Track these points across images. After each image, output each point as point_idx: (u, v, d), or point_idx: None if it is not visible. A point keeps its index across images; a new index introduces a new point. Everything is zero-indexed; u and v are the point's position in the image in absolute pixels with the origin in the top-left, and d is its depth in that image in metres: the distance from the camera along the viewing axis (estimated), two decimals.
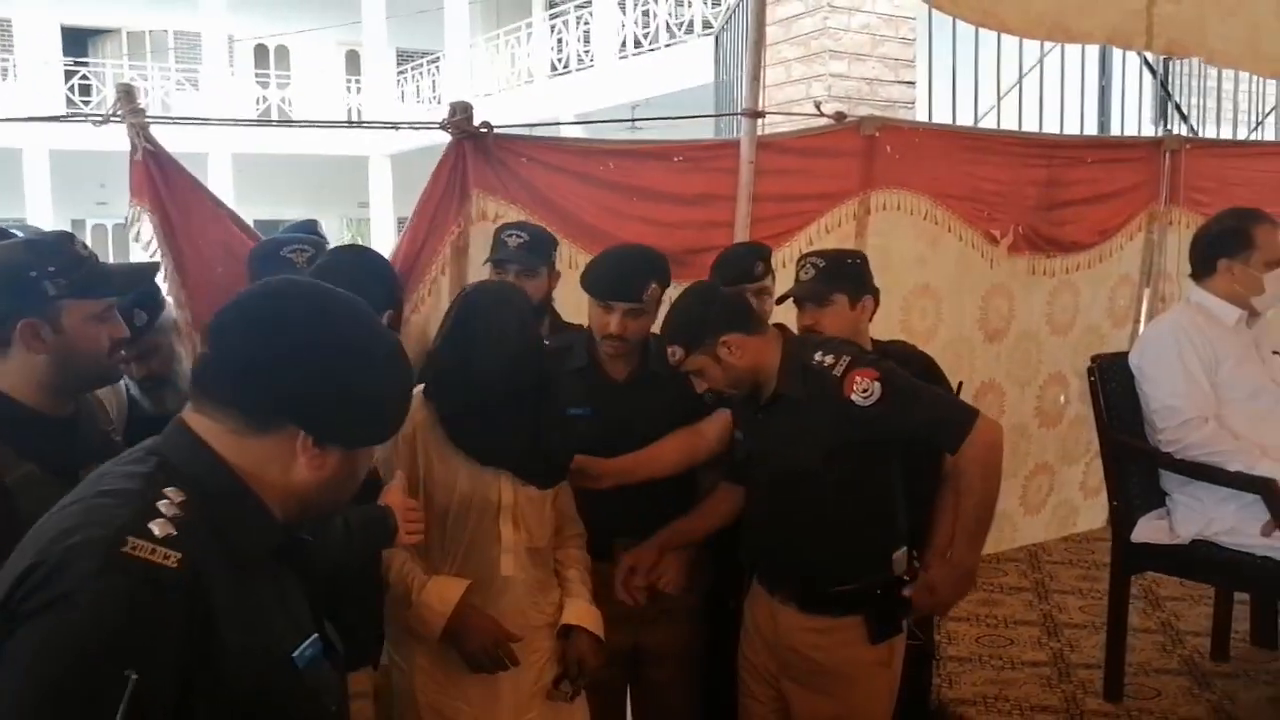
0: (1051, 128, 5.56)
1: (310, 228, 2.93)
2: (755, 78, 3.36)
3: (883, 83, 5.05)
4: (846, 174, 3.61)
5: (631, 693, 2.58)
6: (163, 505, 1.06)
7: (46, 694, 0.97)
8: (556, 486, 2.20)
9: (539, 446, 2.10)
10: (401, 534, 1.90)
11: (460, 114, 2.92)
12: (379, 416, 1.21)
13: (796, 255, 2.94)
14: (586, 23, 14.75)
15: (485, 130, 2.95)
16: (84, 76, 17.18)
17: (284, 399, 1.13)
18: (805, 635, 2.19)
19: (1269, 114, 7.22)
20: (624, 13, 13.86)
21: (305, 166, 17.57)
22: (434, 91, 18.06)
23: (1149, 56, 5.84)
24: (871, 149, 3.61)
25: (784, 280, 2.76)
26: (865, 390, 2.04)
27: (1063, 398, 4.44)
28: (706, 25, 11.56)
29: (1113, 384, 3.08)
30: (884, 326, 2.78)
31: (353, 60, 19.61)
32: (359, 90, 19.18)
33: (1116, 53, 6.16)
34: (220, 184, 14.71)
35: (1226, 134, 6.72)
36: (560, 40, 15.47)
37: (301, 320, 1.15)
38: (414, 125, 3.45)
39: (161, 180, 2.67)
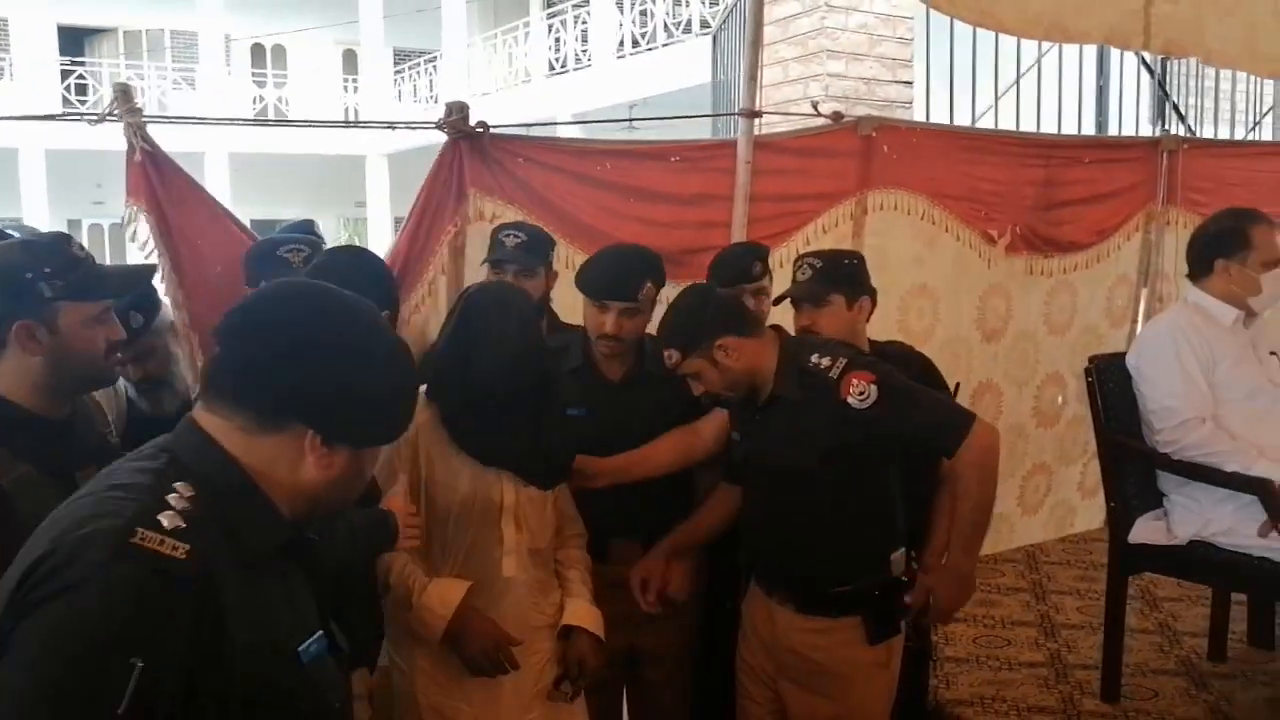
0: (1049, 128, 5.57)
1: (307, 227, 2.92)
2: (752, 77, 3.36)
3: (880, 82, 5.06)
4: (844, 174, 3.61)
5: (627, 693, 2.58)
6: (172, 499, 1.08)
7: (54, 681, 0.98)
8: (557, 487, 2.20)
9: (540, 447, 2.10)
10: (401, 538, 1.91)
11: (456, 114, 2.92)
12: (382, 415, 1.22)
13: (794, 255, 2.93)
14: (584, 22, 14.73)
15: (481, 130, 2.95)
16: (80, 76, 17.14)
17: (284, 398, 1.14)
18: (803, 636, 2.19)
19: (1266, 114, 7.23)
20: (621, 12, 13.83)
21: (302, 166, 17.54)
22: (431, 91, 18.00)
23: (1147, 56, 5.84)
24: (869, 149, 3.61)
25: (781, 280, 2.75)
26: (861, 393, 2.04)
27: (1060, 398, 4.44)
28: (704, 25, 11.53)
29: (1110, 384, 3.09)
30: (881, 326, 2.78)
31: (350, 60, 19.57)
32: (356, 90, 19.17)
33: (1114, 53, 6.17)
34: (217, 183, 14.71)
35: (1224, 134, 6.72)
36: (558, 40, 15.45)
37: (300, 320, 1.16)
38: (411, 125, 3.45)
39: (158, 180, 2.66)
